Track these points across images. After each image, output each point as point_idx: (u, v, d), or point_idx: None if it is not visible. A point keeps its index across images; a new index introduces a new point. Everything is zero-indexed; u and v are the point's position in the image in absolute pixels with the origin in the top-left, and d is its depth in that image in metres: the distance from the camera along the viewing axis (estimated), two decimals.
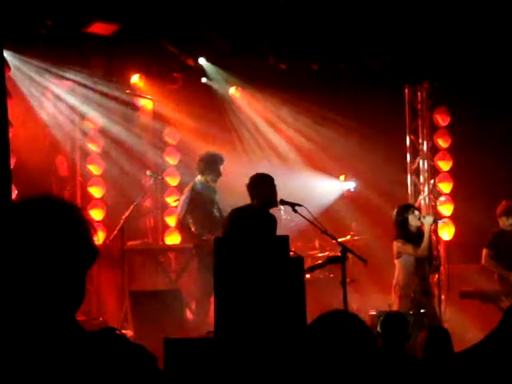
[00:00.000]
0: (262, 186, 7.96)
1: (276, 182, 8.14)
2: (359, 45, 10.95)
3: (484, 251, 9.97)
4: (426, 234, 8.73)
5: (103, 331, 2.03)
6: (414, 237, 8.81)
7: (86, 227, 2.07)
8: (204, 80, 11.55)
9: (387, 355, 5.65)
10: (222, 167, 9.63)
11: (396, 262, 8.86)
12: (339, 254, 7.82)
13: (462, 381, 3.72)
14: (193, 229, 9.51)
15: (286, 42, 10.70)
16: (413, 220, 8.81)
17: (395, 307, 8.57)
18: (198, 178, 9.70)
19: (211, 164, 9.62)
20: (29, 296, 1.97)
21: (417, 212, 8.96)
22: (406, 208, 9.00)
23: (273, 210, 8.09)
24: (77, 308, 2.04)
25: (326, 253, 10.64)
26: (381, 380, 2.56)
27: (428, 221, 8.81)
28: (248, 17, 10.02)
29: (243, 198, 8.26)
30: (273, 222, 7.80)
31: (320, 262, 10.09)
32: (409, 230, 8.81)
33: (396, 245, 8.83)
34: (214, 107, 11.66)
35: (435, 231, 9.17)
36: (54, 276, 1.99)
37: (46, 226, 2.00)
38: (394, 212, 8.93)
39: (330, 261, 8.15)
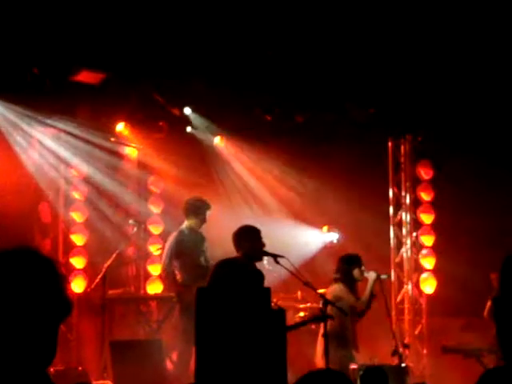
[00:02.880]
0: (247, 239, 8.00)
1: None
2: (344, 98, 11.08)
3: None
4: (369, 288, 8.85)
5: None
6: (353, 288, 8.93)
7: (60, 280, 2.07)
8: (189, 129, 11.61)
9: None
10: (208, 214, 9.63)
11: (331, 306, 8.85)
12: (321, 313, 7.76)
13: None
14: (178, 276, 9.46)
15: (272, 94, 10.81)
16: (357, 273, 8.92)
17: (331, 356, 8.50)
18: (185, 223, 9.69)
19: (196, 209, 9.62)
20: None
21: (363, 267, 9.04)
22: (355, 260, 9.07)
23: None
24: (49, 362, 2.02)
25: (308, 304, 10.61)
26: None
27: (371, 276, 8.90)
28: (234, 68, 10.13)
29: (226, 248, 8.26)
30: (258, 277, 7.76)
31: (302, 318, 10.07)
32: (351, 279, 8.93)
33: (337, 288, 8.87)
34: (198, 157, 11.71)
35: (377, 286, 9.10)
36: (26, 329, 1.97)
37: (19, 279, 2.00)
38: (342, 259, 9.04)
39: (313, 320, 8.10)
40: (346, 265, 8.97)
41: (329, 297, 8.76)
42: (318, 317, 7.83)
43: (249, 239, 8.05)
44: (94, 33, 8.96)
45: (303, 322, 8.30)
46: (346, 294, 8.83)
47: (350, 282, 8.92)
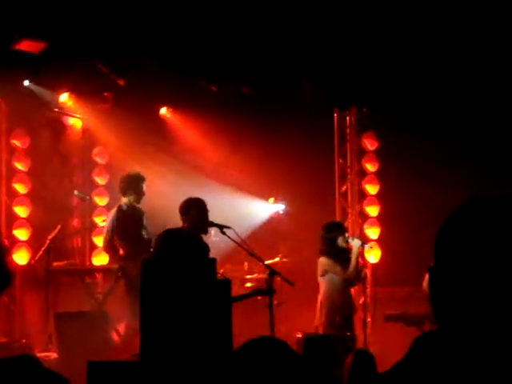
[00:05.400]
0: (193, 211, 7.97)
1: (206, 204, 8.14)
2: (290, 70, 11.07)
3: None
4: (354, 257, 8.76)
5: (19, 358, 1.99)
6: (340, 256, 8.86)
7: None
8: None
9: (313, 379, 5.66)
10: (144, 186, 9.55)
11: (320, 279, 8.81)
12: (267, 287, 7.77)
13: None
14: (121, 251, 9.40)
15: (218, 65, 10.76)
16: (341, 241, 8.85)
17: (321, 329, 8.59)
18: (123, 200, 9.59)
19: (133, 184, 9.53)
20: None
21: (346, 234, 9.02)
22: (338, 227, 9.03)
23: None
24: None
25: (255, 275, 10.66)
26: None
27: (356, 244, 8.86)
28: (180, 38, 10.05)
29: (172, 220, 8.23)
30: (203, 248, 7.75)
31: (248, 288, 10.09)
32: (336, 248, 8.83)
33: (323, 262, 8.76)
34: (144, 127, 11.60)
35: (361, 254, 9.23)
36: None
37: None
38: (324, 228, 8.90)
39: (259, 292, 8.09)
40: (329, 233, 8.79)
41: (318, 270, 8.77)
42: (263, 290, 7.85)
43: (195, 211, 8.03)
44: (35, 0, 8.79)
45: (248, 294, 8.32)
46: (331, 266, 8.71)
47: (334, 252, 8.75)
